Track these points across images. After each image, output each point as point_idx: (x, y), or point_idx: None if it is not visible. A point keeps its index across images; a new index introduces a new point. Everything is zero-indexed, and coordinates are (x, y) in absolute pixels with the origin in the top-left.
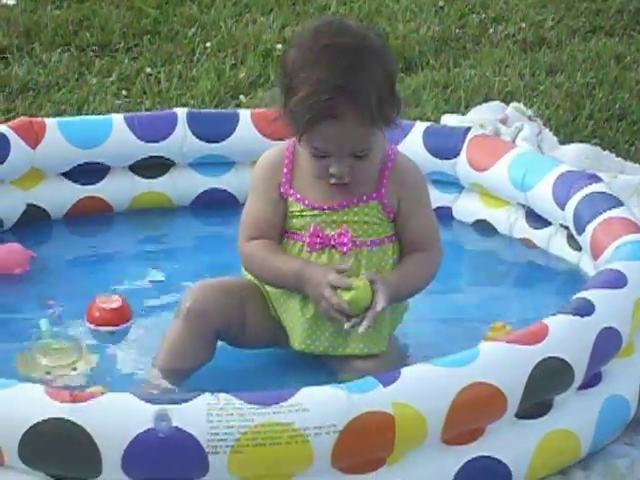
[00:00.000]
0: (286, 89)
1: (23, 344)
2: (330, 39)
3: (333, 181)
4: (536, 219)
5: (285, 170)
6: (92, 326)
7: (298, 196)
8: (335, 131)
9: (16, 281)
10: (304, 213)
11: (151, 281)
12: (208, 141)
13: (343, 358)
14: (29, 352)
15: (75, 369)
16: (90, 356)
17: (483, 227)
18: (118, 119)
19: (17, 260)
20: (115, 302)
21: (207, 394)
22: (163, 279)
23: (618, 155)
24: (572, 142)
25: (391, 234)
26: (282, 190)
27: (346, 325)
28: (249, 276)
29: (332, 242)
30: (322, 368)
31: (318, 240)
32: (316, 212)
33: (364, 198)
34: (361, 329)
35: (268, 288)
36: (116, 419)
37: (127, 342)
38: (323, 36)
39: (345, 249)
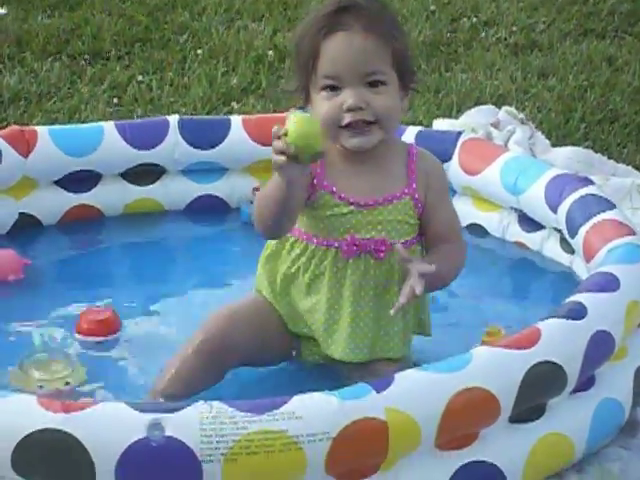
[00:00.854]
0: (296, 37)
1: (16, 358)
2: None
3: (349, 119)
4: (529, 222)
5: (321, 162)
6: (81, 337)
7: (334, 189)
8: (344, 45)
9: (8, 289)
10: (337, 210)
11: (142, 289)
12: (200, 148)
13: (365, 364)
14: (22, 366)
15: (68, 383)
16: (82, 369)
17: (476, 231)
18: (109, 127)
19: (11, 267)
20: (103, 313)
21: (200, 402)
22: (155, 287)
23: (610, 157)
24: (564, 145)
25: (416, 235)
26: (315, 181)
27: (392, 311)
28: (264, 291)
29: (369, 248)
30: (327, 377)
31: (355, 248)
32: (352, 208)
33: (397, 195)
34: (402, 299)
35: (297, 304)
36: (109, 428)
37: (118, 353)
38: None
39: (382, 255)
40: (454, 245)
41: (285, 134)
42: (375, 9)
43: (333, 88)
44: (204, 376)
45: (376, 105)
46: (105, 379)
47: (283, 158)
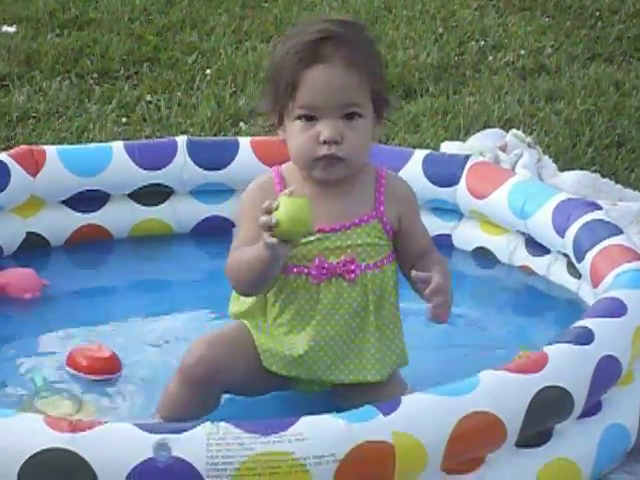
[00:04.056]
0: (271, 61)
1: (22, 398)
2: (315, 22)
3: (323, 152)
4: (536, 247)
5: (277, 195)
6: (83, 374)
7: None
8: (322, 77)
9: (23, 308)
10: (304, 239)
11: (148, 315)
12: (208, 169)
13: (357, 387)
14: (28, 408)
15: None
16: (88, 407)
17: (483, 255)
18: (118, 147)
19: (29, 285)
20: (104, 352)
21: (207, 423)
22: (161, 312)
23: (617, 182)
24: (572, 169)
25: (389, 254)
26: None
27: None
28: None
29: (338, 271)
30: (325, 402)
31: (324, 271)
32: (319, 235)
33: (365, 218)
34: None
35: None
36: (116, 449)
37: (123, 391)
38: (308, 23)
39: (353, 276)
40: (436, 254)
41: (276, 208)
42: (356, 40)
43: (309, 118)
44: (194, 402)
45: (349, 141)
46: (114, 414)
47: (274, 240)
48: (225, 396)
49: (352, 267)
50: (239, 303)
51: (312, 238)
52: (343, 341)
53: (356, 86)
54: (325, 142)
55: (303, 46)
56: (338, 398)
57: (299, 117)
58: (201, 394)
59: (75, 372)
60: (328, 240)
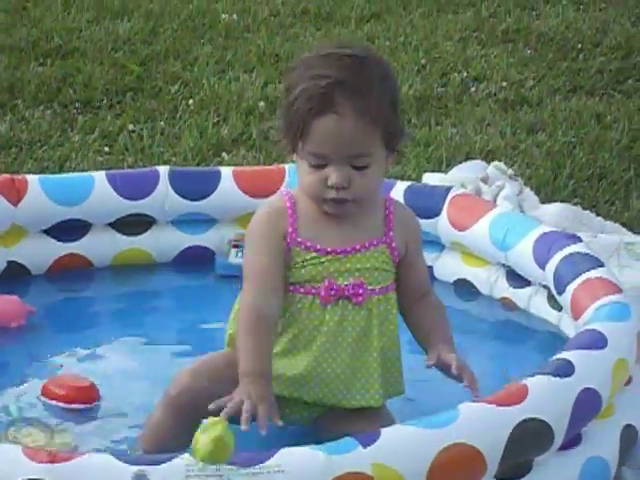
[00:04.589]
0: (285, 97)
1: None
2: (332, 49)
3: (331, 195)
4: (516, 279)
5: (290, 220)
6: (62, 404)
7: (308, 243)
8: (333, 127)
9: (8, 337)
10: (315, 260)
11: (129, 345)
12: (190, 199)
13: (344, 418)
14: (3, 438)
15: None
16: (64, 436)
17: (464, 286)
18: (100, 176)
19: (15, 313)
20: (82, 381)
21: (185, 455)
22: (142, 342)
23: (598, 215)
24: (553, 201)
25: (392, 282)
26: (288, 240)
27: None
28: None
29: (346, 293)
30: (312, 431)
31: (332, 293)
32: (329, 257)
33: (374, 242)
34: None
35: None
36: (94, 479)
37: (100, 421)
38: (326, 48)
39: (360, 299)
40: (434, 297)
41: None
42: (369, 84)
43: (318, 165)
44: (178, 432)
45: (358, 186)
46: (91, 445)
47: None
48: None
49: (360, 291)
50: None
51: (323, 259)
52: (346, 364)
53: (367, 136)
54: (332, 187)
55: (314, 93)
56: (322, 427)
57: (308, 160)
58: (185, 424)
59: (51, 402)
60: (339, 262)
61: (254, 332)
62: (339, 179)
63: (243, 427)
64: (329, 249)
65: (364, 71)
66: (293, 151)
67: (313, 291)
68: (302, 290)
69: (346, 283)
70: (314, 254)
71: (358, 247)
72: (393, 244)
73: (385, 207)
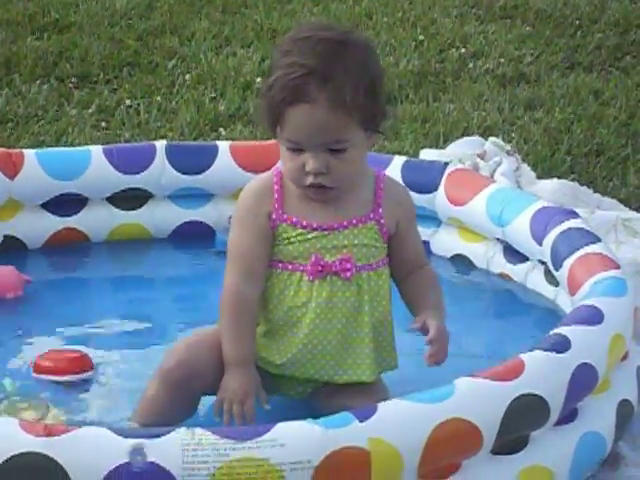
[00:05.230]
0: (264, 81)
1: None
2: (311, 32)
3: (310, 181)
4: (514, 254)
5: (276, 195)
6: (52, 377)
7: (294, 219)
8: (305, 117)
9: (3, 309)
10: (301, 237)
11: (124, 318)
12: (186, 173)
13: (340, 392)
14: None
15: None
16: (57, 411)
17: (461, 262)
18: (97, 151)
19: (11, 283)
20: (73, 353)
21: (183, 428)
22: (138, 316)
23: (596, 191)
24: (550, 177)
25: (384, 257)
26: (274, 217)
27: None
28: None
29: (334, 269)
30: (309, 406)
31: (319, 268)
32: (316, 233)
33: (362, 219)
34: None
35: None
36: (91, 453)
37: (94, 394)
38: (305, 30)
39: (349, 274)
40: (427, 268)
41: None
42: (344, 72)
43: (295, 149)
44: (173, 405)
45: (337, 172)
46: (85, 419)
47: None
48: (204, 401)
49: (348, 265)
50: None
51: (309, 236)
52: (337, 340)
53: (342, 124)
54: (310, 173)
55: (287, 82)
56: (318, 401)
57: (286, 145)
58: (180, 397)
59: (44, 376)
60: (325, 238)
61: (236, 317)
62: (316, 164)
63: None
64: (315, 225)
65: (341, 57)
66: (273, 133)
67: (301, 268)
68: (290, 267)
69: (333, 259)
70: (300, 230)
71: (345, 224)
72: (382, 220)
73: (375, 183)
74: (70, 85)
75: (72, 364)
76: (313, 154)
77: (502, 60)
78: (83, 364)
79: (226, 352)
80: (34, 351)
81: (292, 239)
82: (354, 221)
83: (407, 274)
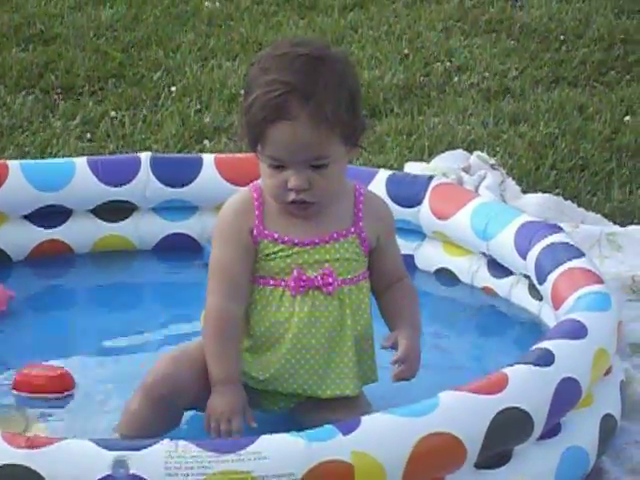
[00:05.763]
0: (243, 98)
1: None
2: (288, 48)
3: (292, 198)
4: (498, 268)
5: (256, 212)
6: (35, 395)
7: (275, 235)
8: (288, 134)
9: None
10: (282, 253)
11: (107, 332)
12: (171, 185)
13: (323, 406)
14: None
15: None
16: (39, 425)
17: (445, 276)
18: (81, 162)
19: None
20: (55, 370)
21: (166, 440)
22: (121, 329)
23: (580, 205)
24: (535, 192)
25: (364, 271)
26: (255, 233)
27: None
28: None
29: (316, 283)
30: (292, 419)
31: (302, 283)
32: (297, 249)
33: (343, 233)
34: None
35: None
36: (73, 465)
37: (75, 409)
38: (282, 46)
39: (331, 289)
40: (406, 281)
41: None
42: (322, 89)
43: (277, 166)
44: (156, 419)
45: (319, 187)
46: (66, 432)
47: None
48: (188, 413)
49: (330, 280)
50: None
51: (291, 251)
52: (320, 355)
53: (324, 140)
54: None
55: (267, 101)
56: (301, 415)
57: (267, 163)
58: (163, 411)
59: (25, 394)
60: (307, 253)
61: (221, 336)
62: (299, 181)
63: None
64: (296, 240)
65: (320, 73)
66: (254, 151)
67: (283, 283)
68: (272, 282)
69: (315, 274)
70: (282, 246)
71: (327, 238)
72: (363, 234)
73: (355, 197)
74: (55, 96)
75: (53, 382)
76: (295, 171)
77: (487, 74)
78: (64, 383)
79: (212, 371)
80: (17, 365)
81: (273, 255)
82: (335, 235)
83: (386, 287)
